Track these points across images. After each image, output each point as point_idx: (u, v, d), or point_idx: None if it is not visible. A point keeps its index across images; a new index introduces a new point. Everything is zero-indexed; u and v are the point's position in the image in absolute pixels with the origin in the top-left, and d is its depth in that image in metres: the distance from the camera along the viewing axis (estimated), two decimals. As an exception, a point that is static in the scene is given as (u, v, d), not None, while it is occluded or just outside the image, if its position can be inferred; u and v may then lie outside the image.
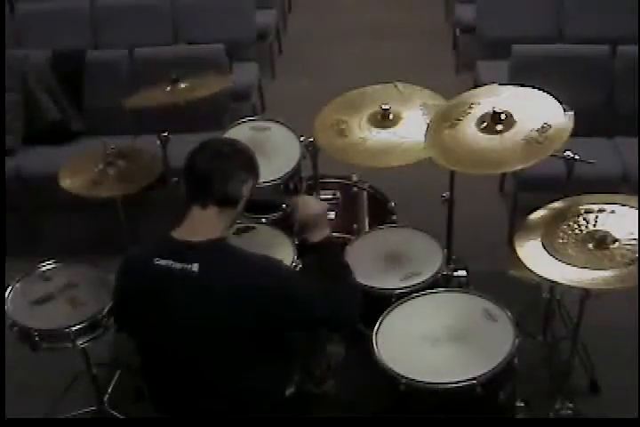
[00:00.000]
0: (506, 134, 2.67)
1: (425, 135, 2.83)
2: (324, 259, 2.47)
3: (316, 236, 2.47)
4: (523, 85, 2.80)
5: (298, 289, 2.25)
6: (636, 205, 2.49)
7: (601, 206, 2.54)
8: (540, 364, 3.23)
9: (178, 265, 2.17)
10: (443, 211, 3.34)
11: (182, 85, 3.34)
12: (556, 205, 2.64)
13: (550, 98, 2.71)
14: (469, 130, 2.74)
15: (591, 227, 2.49)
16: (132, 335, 2.41)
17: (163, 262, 2.19)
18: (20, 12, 5.04)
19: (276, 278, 2.22)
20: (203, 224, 2.24)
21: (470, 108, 2.82)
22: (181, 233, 2.24)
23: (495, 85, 2.93)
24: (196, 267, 2.16)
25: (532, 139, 2.61)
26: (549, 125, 2.62)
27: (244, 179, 2.27)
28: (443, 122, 2.82)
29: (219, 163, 2.23)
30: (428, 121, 2.89)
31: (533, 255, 2.46)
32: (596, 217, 2.52)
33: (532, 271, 2.41)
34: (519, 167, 2.68)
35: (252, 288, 2.16)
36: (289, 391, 2.43)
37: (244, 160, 2.29)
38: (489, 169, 2.76)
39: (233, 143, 2.34)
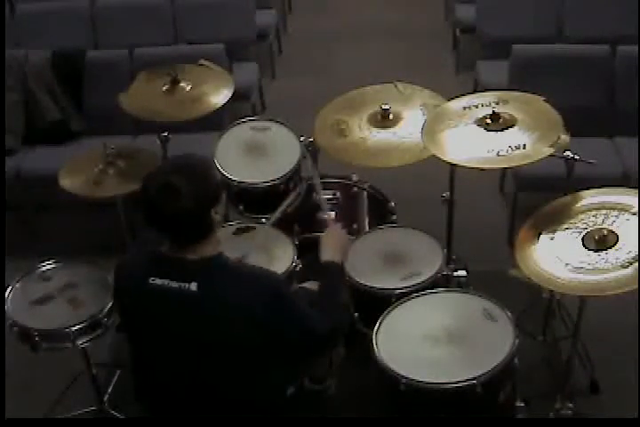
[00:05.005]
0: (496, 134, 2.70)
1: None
2: (329, 281, 2.46)
3: (326, 256, 2.49)
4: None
5: (294, 304, 2.21)
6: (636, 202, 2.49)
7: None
8: (540, 364, 3.23)
9: (174, 284, 2.09)
10: (443, 211, 3.34)
11: (182, 85, 3.34)
12: (559, 202, 2.65)
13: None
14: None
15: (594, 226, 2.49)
16: (132, 342, 2.35)
17: (158, 282, 2.10)
18: (19, 12, 5.03)
19: (276, 295, 2.16)
20: (191, 248, 2.13)
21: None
22: (173, 249, 2.14)
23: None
24: (194, 286, 2.08)
25: (492, 151, 2.62)
26: (524, 147, 2.61)
27: (211, 209, 2.11)
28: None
29: (183, 205, 2.03)
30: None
31: (533, 256, 2.47)
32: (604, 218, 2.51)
33: (529, 278, 2.43)
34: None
35: (253, 306, 2.10)
36: (289, 391, 2.43)
37: (207, 190, 2.09)
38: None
39: (188, 174, 2.07)
